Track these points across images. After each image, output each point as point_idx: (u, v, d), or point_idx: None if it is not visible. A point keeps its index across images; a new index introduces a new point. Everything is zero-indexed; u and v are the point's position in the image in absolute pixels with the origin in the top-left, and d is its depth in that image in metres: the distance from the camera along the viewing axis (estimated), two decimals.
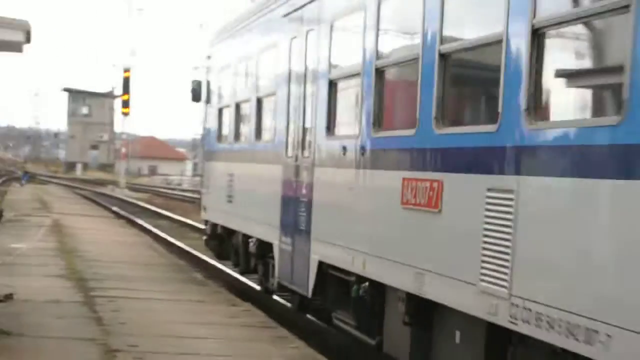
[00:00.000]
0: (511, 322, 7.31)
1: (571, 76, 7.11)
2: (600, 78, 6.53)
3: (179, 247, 25.43)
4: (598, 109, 6.56)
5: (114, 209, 41.94)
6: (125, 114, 62.87)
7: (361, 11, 10.69)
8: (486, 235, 7.70)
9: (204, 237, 19.97)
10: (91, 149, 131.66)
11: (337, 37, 11.76)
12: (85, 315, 12.63)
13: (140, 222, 34.34)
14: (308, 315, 14.73)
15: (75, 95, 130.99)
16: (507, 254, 7.39)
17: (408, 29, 9.76)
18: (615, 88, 6.10)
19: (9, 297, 13.35)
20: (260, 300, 16.66)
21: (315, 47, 12.50)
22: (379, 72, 10.26)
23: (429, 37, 8.99)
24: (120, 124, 75.90)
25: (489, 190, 7.71)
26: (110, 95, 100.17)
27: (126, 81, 59.78)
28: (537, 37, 7.19)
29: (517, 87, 7.33)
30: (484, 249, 7.71)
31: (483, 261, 7.71)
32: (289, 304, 14.96)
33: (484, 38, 8.11)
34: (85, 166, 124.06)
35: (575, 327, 6.46)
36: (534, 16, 7.20)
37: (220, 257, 19.07)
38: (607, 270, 6.24)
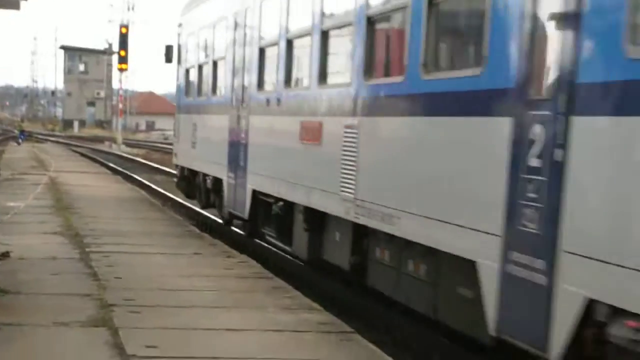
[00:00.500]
0: (355, 217, 10.91)
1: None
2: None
3: (175, 201, 25.49)
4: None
5: (111, 165, 41.97)
6: (122, 70, 62.61)
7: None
8: (343, 159, 11.21)
9: (175, 180, 23.54)
10: (88, 106, 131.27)
11: (265, 14, 15.22)
12: (81, 271, 12.68)
13: (136, 177, 34.40)
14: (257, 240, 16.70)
15: (72, 53, 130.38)
16: (351, 172, 10.97)
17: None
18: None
19: (5, 255, 13.41)
20: (256, 251, 16.76)
21: (251, 20, 16.00)
22: (289, 42, 13.78)
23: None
24: (118, 81, 75.53)
25: (346, 127, 11.13)
26: (107, 52, 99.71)
27: (123, 37, 59.40)
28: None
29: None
30: (342, 169, 11.22)
31: (341, 177, 11.25)
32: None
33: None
34: (83, 123, 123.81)
35: (386, 215, 10.01)
36: None
37: (188, 196, 22.32)
38: (406, 179, 9.62)
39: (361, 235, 11.34)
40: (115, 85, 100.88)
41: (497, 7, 7.87)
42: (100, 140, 79.14)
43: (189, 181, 21.59)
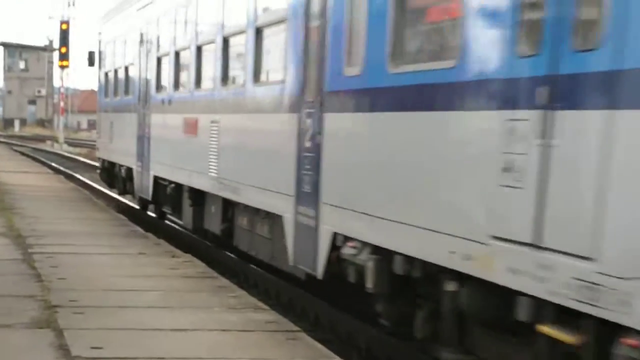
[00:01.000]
0: (220, 190, 14.06)
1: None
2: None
3: (118, 201, 25.34)
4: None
5: (53, 164, 41.60)
6: (64, 68, 62.08)
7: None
8: (210, 146, 14.43)
9: (98, 171, 27.62)
10: (29, 104, 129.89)
11: (161, 31, 18.67)
12: (24, 272, 12.57)
13: (79, 177, 34.14)
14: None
15: (12, 50, 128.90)
16: (216, 156, 14.20)
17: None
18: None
19: None
20: (200, 250, 16.73)
21: (151, 35, 19.53)
22: (177, 54, 17.25)
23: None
24: (59, 79, 74.75)
25: (212, 122, 14.45)
26: (48, 49, 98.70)
27: (64, 33, 58.97)
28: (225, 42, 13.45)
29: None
30: (209, 155, 14.43)
31: (209, 162, 14.42)
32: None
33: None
34: (24, 122, 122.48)
35: (234, 187, 13.29)
36: None
37: (109, 185, 25.54)
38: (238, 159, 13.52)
39: (228, 206, 14.38)
40: (56, 83, 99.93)
41: (290, 41, 11.29)
42: (41, 139, 78.31)
43: (109, 172, 24.91)
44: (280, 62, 11.79)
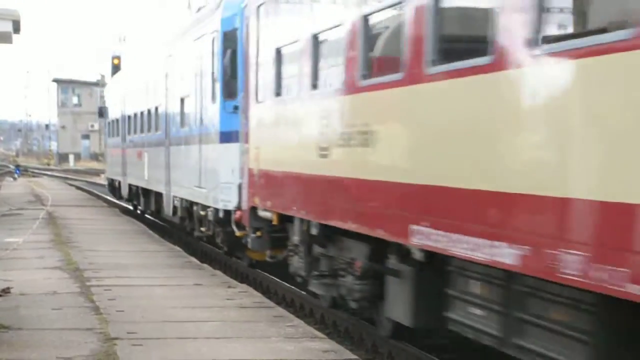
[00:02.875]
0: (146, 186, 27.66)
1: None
2: None
3: (173, 232, 25.47)
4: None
5: (108, 198, 41.92)
6: None
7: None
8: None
9: (107, 185, 40.81)
10: (83, 139, 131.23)
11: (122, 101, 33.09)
12: (82, 305, 12.67)
13: (131, 207, 34.37)
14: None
15: (65, 86, 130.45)
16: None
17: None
18: None
19: (6, 291, 13.40)
20: (256, 280, 16.75)
21: (127, 99, 32.59)
22: (126, 117, 32.71)
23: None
24: None
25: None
26: (100, 84, 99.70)
27: (115, 69, 59.53)
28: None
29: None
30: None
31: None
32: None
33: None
34: (78, 157, 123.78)
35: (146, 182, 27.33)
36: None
37: (114, 195, 37.64)
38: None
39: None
40: None
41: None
42: (95, 173, 79.05)
43: (113, 187, 37.34)
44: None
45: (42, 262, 17.07)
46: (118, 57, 62.31)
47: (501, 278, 7.35)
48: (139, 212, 31.80)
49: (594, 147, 6.02)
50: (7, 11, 12.38)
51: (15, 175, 67.55)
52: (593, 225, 6.07)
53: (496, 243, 7.00)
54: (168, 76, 22.97)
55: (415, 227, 8.38)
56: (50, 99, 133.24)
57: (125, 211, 33.80)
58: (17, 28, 12.40)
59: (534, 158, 6.66)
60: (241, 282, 15.25)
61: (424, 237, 8.22)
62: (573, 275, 6.11)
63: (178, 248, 20.90)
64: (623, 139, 5.75)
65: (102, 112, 41.15)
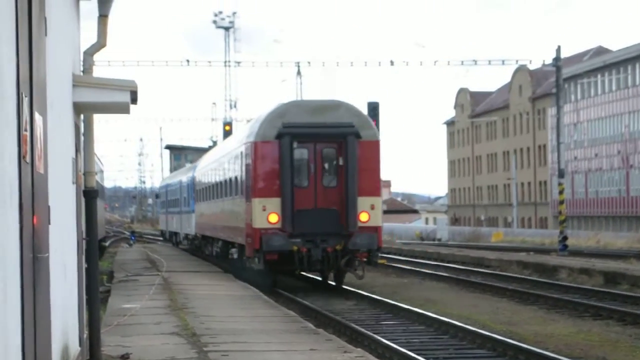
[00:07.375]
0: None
1: None
2: None
3: (286, 296, 25.55)
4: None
5: (222, 263, 42.33)
6: None
7: None
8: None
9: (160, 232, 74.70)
10: None
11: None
12: None
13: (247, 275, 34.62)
14: None
15: (177, 152, 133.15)
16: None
17: None
18: None
19: (125, 357, 13.57)
20: (371, 345, 16.61)
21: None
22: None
23: None
24: None
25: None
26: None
27: (228, 134, 60.62)
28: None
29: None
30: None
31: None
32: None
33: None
34: None
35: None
36: None
37: (165, 240, 67.05)
38: None
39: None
40: None
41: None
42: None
43: (165, 236, 63.92)
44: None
45: (159, 328, 17.26)
46: (229, 124, 63.51)
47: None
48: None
49: None
50: (125, 82, 12.64)
51: (131, 242, 68.82)
52: None
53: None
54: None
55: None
56: (163, 166, 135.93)
57: (238, 276, 34.03)
58: (134, 98, 12.67)
59: None
60: (356, 347, 15.16)
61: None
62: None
63: (293, 313, 20.93)
64: None
65: (158, 196, 58.39)
